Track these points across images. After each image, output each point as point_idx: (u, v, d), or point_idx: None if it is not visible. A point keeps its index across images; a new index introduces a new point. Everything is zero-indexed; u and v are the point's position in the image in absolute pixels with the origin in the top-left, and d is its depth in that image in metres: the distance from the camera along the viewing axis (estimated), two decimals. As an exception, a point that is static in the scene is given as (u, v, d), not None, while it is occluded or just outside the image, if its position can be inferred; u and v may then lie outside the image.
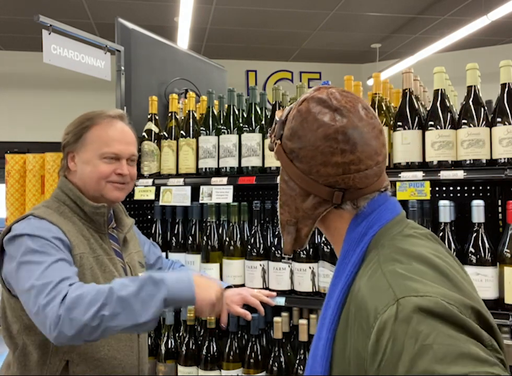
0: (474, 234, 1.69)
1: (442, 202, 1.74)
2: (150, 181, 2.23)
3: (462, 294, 0.84)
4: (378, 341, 0.77)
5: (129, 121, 1.68)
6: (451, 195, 2.03)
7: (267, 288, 1.98)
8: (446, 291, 0.81)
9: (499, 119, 1.64)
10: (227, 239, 2.08)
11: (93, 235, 1.52)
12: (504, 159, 1.61)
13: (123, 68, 2.38)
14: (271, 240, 2.01)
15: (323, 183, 0.95)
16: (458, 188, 2.02)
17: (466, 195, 2.00)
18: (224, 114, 2.18)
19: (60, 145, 1.58)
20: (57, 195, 1.55)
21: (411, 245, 0.93)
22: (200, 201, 2.10)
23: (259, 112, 2.12)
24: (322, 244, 1.88)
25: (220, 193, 2.03)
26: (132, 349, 1.54)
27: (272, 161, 1.99)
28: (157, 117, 2.37)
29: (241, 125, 2.10)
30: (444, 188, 2.04)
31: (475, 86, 1.72)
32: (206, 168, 2.13)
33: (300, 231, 1.02)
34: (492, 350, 0.76)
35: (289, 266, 1.94)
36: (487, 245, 1.66)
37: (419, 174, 1.69)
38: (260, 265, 1.99)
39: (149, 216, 2.56)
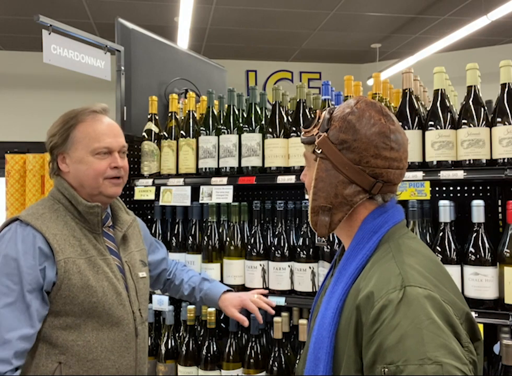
0: (474, 234, 1.69)
1: (442, 202, 1.74)
2: (150, 181, 2.23)
3: (459, 298, 1.00)
4: (380, 314, 0.91)
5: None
6: (451, 195, 2.03)
7: (267, 288, 1.99)
8: (447, 292, 0.97)
9: (499, 119, 1.64)
10: (227, 239, 2.08)
11: (86, 236, 1.49)
12: (504, 159, 1.61)
13: (123, 68, 2.38)
14: (271, 240, 2.01)
15: (369, 173, 1.06)
16: (458, 188, 2.02)
17: (466, 195, 2.00)
18: (224, 114, 2.18)
19: (46, 147, 1.55)
20: (53, 194, 1.54)
21: (419, 246, 1.09)
22: (200, 201, 2.10)
23: (259, 112, 2.12)
24: (322, 244, 1.88)
25: (220, 193, 2.03)
26: (129, 349, 1.50)
27: (272, 161, 1.98)
28: (157, 117, 2.37)
29: (241, 125, 2.10)
30: (444, 188, 2.04)
31: (475, 86, 1.72)
32: (206, 168, 2.12)
33: (333, 216, 1.09)
34: (468, 351, 0.91)
35: (289, 266, 1.95)
36: (487, 245, 1.66)
37: (419, 174, 1.69)
38: (261, 265, 2.00)
39: (149, 216, 2.56)
